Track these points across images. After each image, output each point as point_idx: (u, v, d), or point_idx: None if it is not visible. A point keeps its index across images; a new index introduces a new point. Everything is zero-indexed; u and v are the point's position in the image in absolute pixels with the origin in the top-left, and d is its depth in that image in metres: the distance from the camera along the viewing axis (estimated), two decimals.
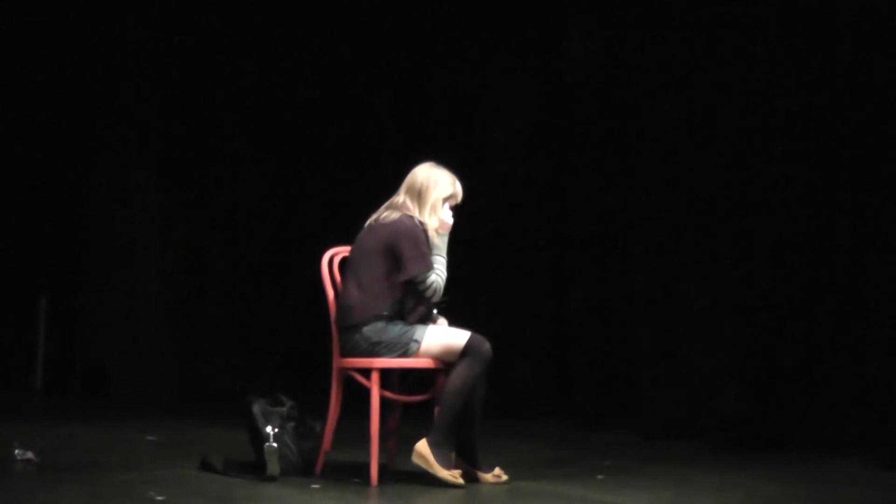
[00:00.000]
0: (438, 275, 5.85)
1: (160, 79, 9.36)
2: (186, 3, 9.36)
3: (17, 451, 6.21)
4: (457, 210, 6.03)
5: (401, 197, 5.94)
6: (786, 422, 7.20)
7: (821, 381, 7.18)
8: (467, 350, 5.76)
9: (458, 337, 5.80)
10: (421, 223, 5.87)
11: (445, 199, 5.94)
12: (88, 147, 9.49)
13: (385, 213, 5.92)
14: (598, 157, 8.17)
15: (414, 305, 5.85)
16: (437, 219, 5.90)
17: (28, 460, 6.16)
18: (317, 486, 5.73)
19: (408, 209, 5.90)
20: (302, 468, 5.93)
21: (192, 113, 9.43)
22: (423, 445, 5.74)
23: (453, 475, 5.74)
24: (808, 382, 7.21)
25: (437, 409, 5.80)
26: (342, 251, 6.07)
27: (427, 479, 5.78)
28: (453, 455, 5.82)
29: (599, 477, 6.08)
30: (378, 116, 9.35)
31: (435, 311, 5.95)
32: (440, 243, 5.91)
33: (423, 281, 5.82)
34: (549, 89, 8.54)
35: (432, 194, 5.91)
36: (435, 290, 5.84)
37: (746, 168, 7.47)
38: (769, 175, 7.39)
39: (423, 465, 5.74)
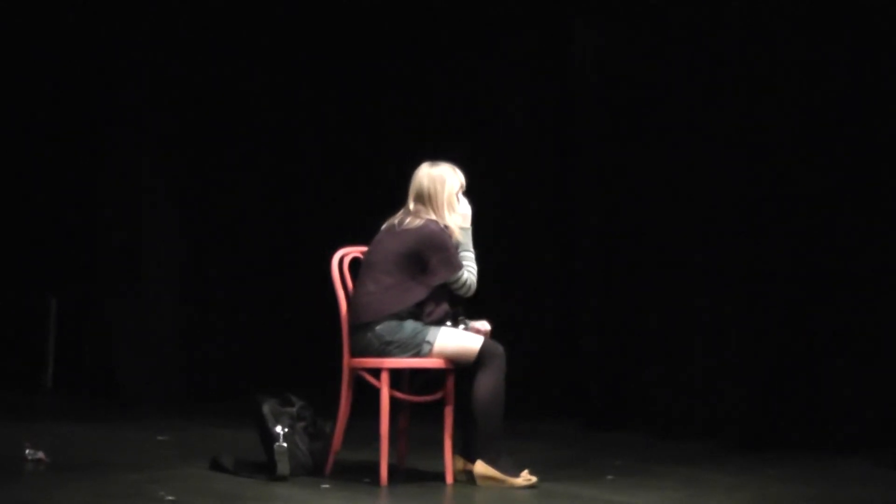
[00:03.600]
0: (470, 272, 5.85)
1: (169, 81, 9.36)
2: (192, 4, 9.36)
3: (27, 451, 6.21)
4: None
5: (411, 205, 5.90)
6: (794, 421, 7.20)
7: (830, 380, 7.18)
8: (483, 355, 5.76)
9: (472, 341, 5.79)
10: (445, 227, 5.85)
11: (455, 192, 5.92)
12: (97, 148, 9.47)
13: (408, 219, 5.86)
14: (603, 156, 8.17)
15: (433, 309, 5.83)
16: (457, 215, 5.89)
17: (38, 459, 6.16)
18: (327, 485, 5.73)
19: (427, 215, 5.88)
20: (312, 468, 5.92)
21: (200, 114, 9.43)
22: (481, 467, 5.74)
23: (525, 478, 5.75)
24: (817, 381, 7.21)
25: (473, 429, 5.78)
26: (353, 251, 6.06)
27: (437, 479, 5.81)
28: (511, 459, 5.82)
29: (609, 477, 6.09)
30: (382, 116, 9.33)
31: (460, 320, 5.94)
32: (463, 238, 5.90)
33: (457, 281, 5.83)
34: (554, 85, 8.54)
35: (443, 194, 5.87)
36: (469, 287, 5.85)
37: (752, 166, 7.47)
38: (774, 173, 7.39)
39: (494, 484, 5.72)
